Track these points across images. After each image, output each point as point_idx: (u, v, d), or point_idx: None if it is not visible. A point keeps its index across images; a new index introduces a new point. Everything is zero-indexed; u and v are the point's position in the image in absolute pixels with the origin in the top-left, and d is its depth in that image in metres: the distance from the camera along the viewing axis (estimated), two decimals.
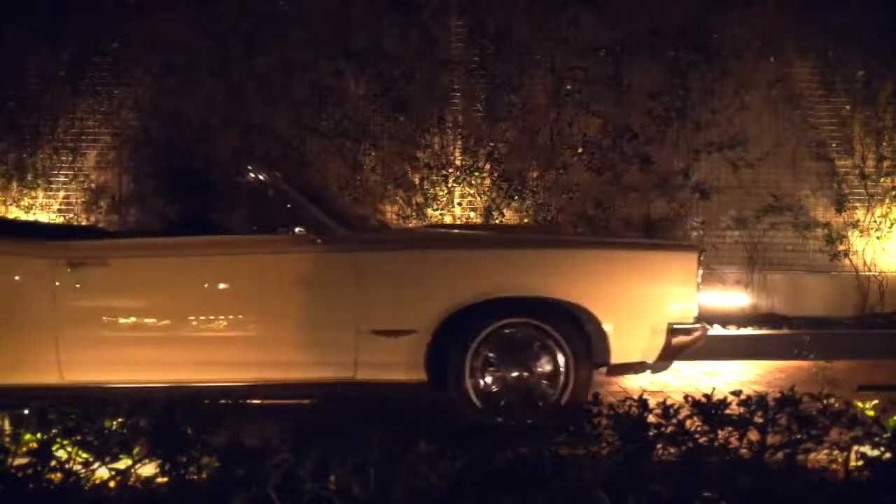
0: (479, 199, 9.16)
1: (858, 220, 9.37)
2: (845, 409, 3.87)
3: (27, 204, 9.20)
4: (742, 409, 3.88)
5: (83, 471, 3.63)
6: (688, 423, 3.80)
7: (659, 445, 3.69)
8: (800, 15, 9.26)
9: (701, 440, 3.73)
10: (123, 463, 3.68)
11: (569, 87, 9.21)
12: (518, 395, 5.23)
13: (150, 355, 5.29)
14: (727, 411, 3.87)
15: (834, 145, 9.40)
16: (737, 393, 3.99)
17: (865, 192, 9.37)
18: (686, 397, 4.01)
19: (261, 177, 5.57)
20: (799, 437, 3.75)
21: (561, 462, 3.57)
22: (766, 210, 9.40)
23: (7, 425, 3.91)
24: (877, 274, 9.34)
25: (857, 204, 9.39)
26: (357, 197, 9.14)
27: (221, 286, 5.36)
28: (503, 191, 9.14)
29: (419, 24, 9.28)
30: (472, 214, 9.17)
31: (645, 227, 9.29)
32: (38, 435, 3.74)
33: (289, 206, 5.42)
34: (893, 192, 9.36)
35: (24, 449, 3.68)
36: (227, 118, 9.19)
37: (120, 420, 3.80)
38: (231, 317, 5.33)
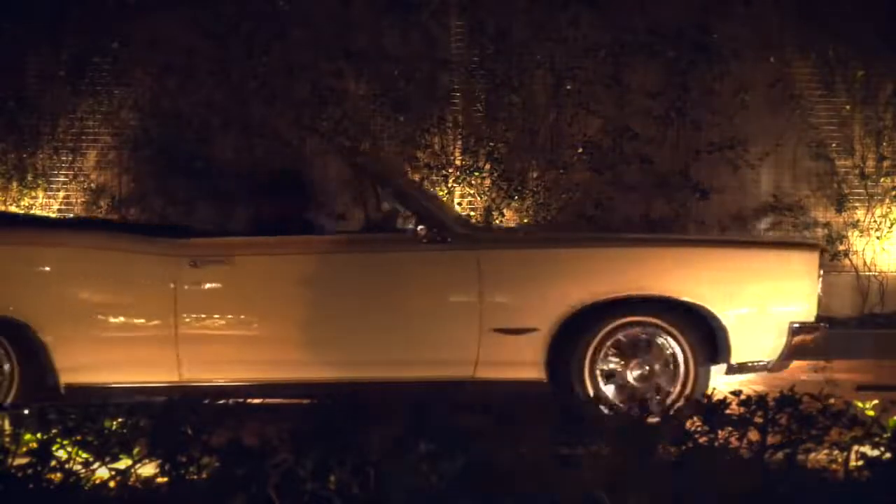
0: (479, 199, 9.16)
1: (858, 220, 9.36)
2: (845, 409, 3.87)
3: (27, 204, 9.19)
4: (742, 409, 3.88)
5: (83, 471, 3.64)
6: (688, 423, 3.80)
7: (659, 445, 3.69)
8: (800, 15, 9.26)
9: (701, 440, 3.73)
10: (123, 463, 3.68)
11: (569, 87, 9.21)
12: (637, 393, 5.23)
13: (271, 354, 5.30)
14: (727, 411, 3.87)
15: (834, 145, 9.40)
16: (737, 393, 3.99)
17: (865, 192, 9.37)
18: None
19: (377, 177, 5.59)
20: (799, 437, 3.75)
21: (561, 462, 3.57)
22: (766, 210, 9.40)
23: (7, 425, 3.91)
24: (877, 274, 9.33)
25: (857, 204, 9.39)
26: (357, 197, 9.13)
27: (346, 284, 5.36)
28: (503, 191, 9.14)
29: (419, 24, 9.28)
30: (472, 214, 9.16)
31: (646, 226, 9.28)
32: (38, 435, 3.74)
33: (408, 205, 5.46)
34: (893, 192, 9.36)
35: (24, 449, 3.68)
36: (227, 118, 9.19)
37: (120, 420, 3.80)
38: (354, 315, 5.33)
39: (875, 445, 3.72)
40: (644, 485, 3.37)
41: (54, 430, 3.74)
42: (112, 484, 3.63)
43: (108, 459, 3.67)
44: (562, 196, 9.22)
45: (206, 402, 3.97)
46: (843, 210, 9.35)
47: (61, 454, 3.67)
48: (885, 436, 3.74)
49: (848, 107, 9.38)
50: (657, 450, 3.67)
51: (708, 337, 5.33)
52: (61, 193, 9.34)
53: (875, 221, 9.34)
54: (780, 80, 9.34)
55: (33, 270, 5.35)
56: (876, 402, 4.05)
